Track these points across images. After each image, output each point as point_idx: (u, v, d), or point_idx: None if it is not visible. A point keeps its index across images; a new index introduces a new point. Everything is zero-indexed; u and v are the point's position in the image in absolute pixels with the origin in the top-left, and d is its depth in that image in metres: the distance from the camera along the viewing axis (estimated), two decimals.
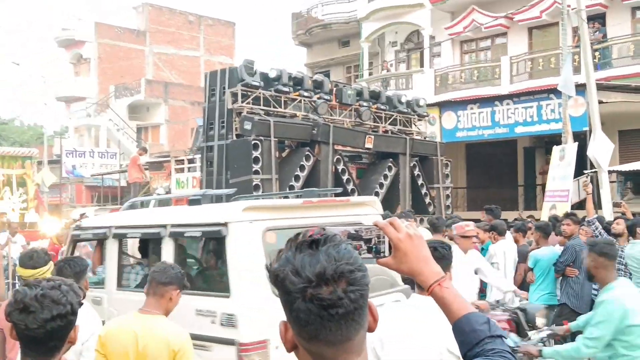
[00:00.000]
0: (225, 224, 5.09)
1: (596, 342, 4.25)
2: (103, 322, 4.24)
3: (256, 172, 11.44)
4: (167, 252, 5.49)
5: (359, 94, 14.32)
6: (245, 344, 4.60)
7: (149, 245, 6.43)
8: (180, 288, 3.71)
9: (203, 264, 6.20)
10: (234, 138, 12.04)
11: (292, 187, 12.04)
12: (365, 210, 6.35)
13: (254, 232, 5.07)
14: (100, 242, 6.67)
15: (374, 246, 1.57)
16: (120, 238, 6.20)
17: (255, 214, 5.23)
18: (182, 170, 15.57)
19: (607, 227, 8.41)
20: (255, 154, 11.44)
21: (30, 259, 4.44)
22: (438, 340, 2.84)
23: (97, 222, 6.90)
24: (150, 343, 3.49)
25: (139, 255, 7.16)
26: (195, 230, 5.46)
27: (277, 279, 1.30)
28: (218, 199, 7.34)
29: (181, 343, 3.55)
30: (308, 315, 1.27)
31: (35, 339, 2.13)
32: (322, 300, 1.25)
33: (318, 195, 6.62)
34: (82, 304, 2.27)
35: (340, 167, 12.99)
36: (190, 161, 15.43)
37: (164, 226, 5.60)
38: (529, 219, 13.81)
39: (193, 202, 6.43)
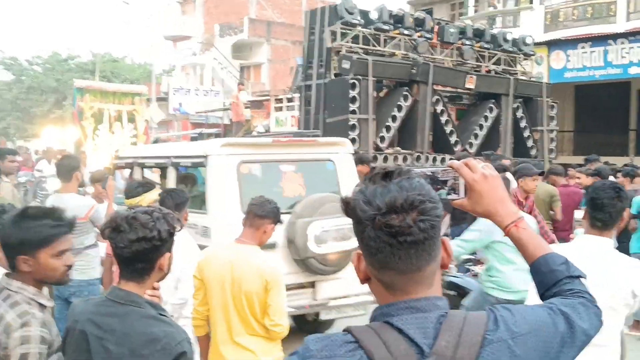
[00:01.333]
0: (206, 156, 6.19)
1: (465, 243, 5.01)
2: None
3: (353, 112, 11.43)
4: (171, 177, 6.66)
5: (462, 32, 13.86)
6: None
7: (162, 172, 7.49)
8: (274, 222, 3.80)
9: (192, 187, 7.01)
10: (333, 77, 12.03)
11: (388, 128, 11.97)
12: (336, 149, 7.00)
13: (229, 163, 6.12)
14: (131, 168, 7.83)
15: (450, 188, 1.56)
16: (142, 167, 7.60)
17: (231, 149, 6.30)
18: (281, 109, 15.77)
19: None
20: (353, 93, 11.40)
21: (130, 191, 4.90)
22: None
23: (127, 154, 8.23)
24: (245, 271, 3.62)
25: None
26: (188, 161, 6.71)
27: (348, 207, 1.33)
28: None
29: (273, 274, 3.66)
30: (378, 243, 1.29)
31: (123, 258, 2.28)
32: (392, 228, 1.27)
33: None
34: (173, 233, 2.36)
35: (439, 107, 12.73)
36: (289, 100, 15.60)
37: (169, 157, 6.80)
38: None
39: (194, 138, 7.78)
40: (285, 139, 7.41)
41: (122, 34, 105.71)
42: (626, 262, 3.13)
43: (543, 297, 1.54)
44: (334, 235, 5.98)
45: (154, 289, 2.41)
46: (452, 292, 6.16)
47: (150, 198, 4.68)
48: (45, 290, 2.67)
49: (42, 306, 2.48)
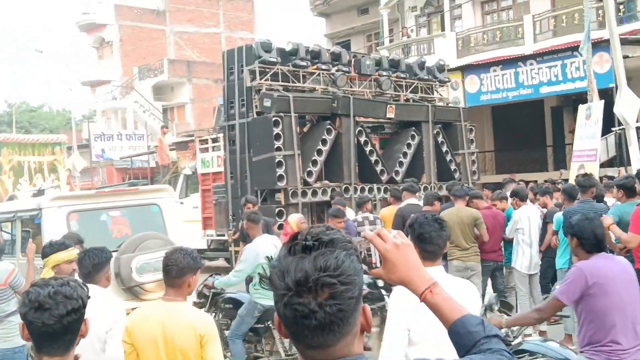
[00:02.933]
0: (40, 209, 7.35)
1: (239, 273, 6.58)
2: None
3: (278, 149, 11.47)
4: (17, 228, 7.87)
5: (378, 63, 14.19)
6: None
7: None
8: (195, 272, 3.73)
9: (35, 237, 7.54)
10: (255, 116, 12.06)
11: (315, 162, 12.06)
12: (161, 195, 8.34)
13: (59, 214, 7.26)
14: None
15: (364, 258, 1.58)
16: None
17: (61, 202, 7.49)
18: (206, 149, 15.64)
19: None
20: (276, 130, 11.46)
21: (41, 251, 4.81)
22: None
23: None
24: (177, 328, 3.54)
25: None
26: (27, 214, 7.74)
27: (268, 277, 1.35)
28: None
29: (206, 327, 3.60)
30: (287, 319, 1.31)
31: (52, 335, 2.22)
32: (297, 311, 1.28)
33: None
34: (89, 297, 2.37)
35: (363, 138, 12.94)
36: (214, 140, 15.49)
37: (14, 212, 8.05)
38: (559, 180, 13.68)
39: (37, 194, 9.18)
40: (109, 189, 8.98)
41: (38, 81, 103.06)
42: (460, 283, 3.43)
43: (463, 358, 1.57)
44: (154, 266, 6.61)
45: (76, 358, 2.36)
46: (229, 306, 7.25)
47: (57, 258, 4.56)
48: None
49: None
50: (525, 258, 8.17)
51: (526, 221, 8.19)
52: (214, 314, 7.23)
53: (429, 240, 3.21)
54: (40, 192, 10.14)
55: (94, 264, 4.04)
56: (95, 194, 8.22)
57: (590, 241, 3.98)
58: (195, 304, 7.37)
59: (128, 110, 37.80)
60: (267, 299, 6.32)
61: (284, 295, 1.29)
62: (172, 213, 8.33)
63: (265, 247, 6.43)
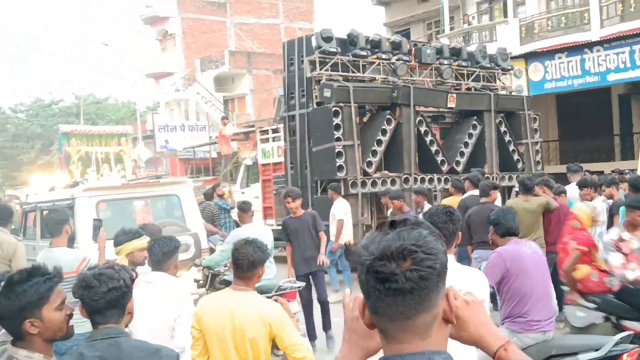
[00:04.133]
0: (73, 199, 8.32)
1: (222, 253, 7.39)
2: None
3: (338, 139, 11.49)
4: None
5: (439, 52, 14.02)
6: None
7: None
8: (264, 264, 3.79)
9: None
10: (315, 106, 12.12)
11: (374, 152, 12.03)
12: (180, 187, 9.33)
13: (89, 203, 8.25)
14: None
15: None
16: (41, 210, 9.14)
17: (91, 192, 8.47)
18: (267, 140, 15.81)
19: None
20: (336, 121, 11.48)
21: (115, 239, 5.02)
22: None
23: (33, 199, 10.31)
24: (246, 318, 3.60)
25: None
26: (64, 203, 8.36)
27: (353, 254, 1.41)
28: None
29: (275, 316, 3.65)
30: (367, 287, 1.34)
31: (98, 310, 2.63)
32: (377, 273, 1.31)
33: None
34: (133, 280, 2.76)
35: (423, 128, 12.83)
36: (275, 131, 15.65)
37: (54, 200, 8.84)
38: (626, 171, 13.21)
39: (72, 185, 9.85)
40: (133, 181, 9.65)
41: (105, 74, 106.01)
42: (469, 272, 3.70)
43: None
44: None
45: None
46: (222, 286, 7.60)
47: (132, 246, 4.71)
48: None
49: None
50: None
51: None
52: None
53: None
54: (75, 184, 10.64)
55: (163, 252, 4.16)
56: (122, 185, 9.15)
57: (502, 227, 4.74)
58: (196, 281, 8.17)
59: (190, 102, 38.47)
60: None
61: (365, 262, 1.33)
62: (190, 203, 9.27)
63: (250, 233, 6.91)
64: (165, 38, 42.85)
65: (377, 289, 1.32)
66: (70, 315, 2.60)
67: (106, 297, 2.60)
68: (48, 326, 2.49)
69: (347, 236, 10.47)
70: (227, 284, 7.79)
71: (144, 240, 4.73)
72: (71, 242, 6.07)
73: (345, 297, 1.61)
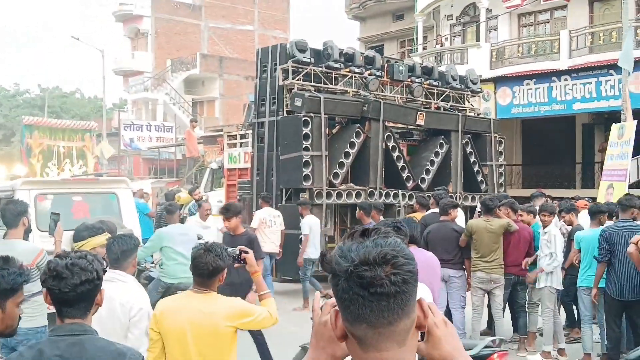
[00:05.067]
0: (13, 190, 8.53)
1: (145, 249, 7.80)
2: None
3: (306, 149, 11.50)
4: None
5: (411, 69, 14.16)
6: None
7: None
8: (223, 271, 3.76)
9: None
10: (285, 114, 12.11)
11: (342, 164, 12.07)
12: (119, 185, 9.70)
13: (29, 196, 8.36)
14: None
15: None
16: None
17: (30, 185, 8.78)
18: (234, 145, 15.73)
19: None
20: (306, 130, 11.49)
21: (76, 234, 4.81)
22: None
23: None
24: (206, 321, 3.57)
25: None
26: (3, 194, 8.56)
27: (325, 261, 1.38)
28: None
29: (232, 313, 3.64)
30: (350, 294, 1.31)
31: (68, 301, 2.44)
32: (362, 279, 1.29)
33: None
34: (105, 271, 2.59)
35: (391, 144, 12.91)
36: (243, 137, 15.58)
37: (2, 191, 8.94)
38: (587, 198, 13.46)
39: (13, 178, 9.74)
40: (72, 178, 10.23)
41: (72, 67, 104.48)
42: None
43: None
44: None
45: None
46: (146, 282, 8.45)
47: (95, 242, 4.61)
48: None
49: None
50: (557, 275, 8.05)
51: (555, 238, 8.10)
52: None
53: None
54: (14, 177, 10.80)
55: (122, 250, 4.08)
56: (62, 180, 9.85)
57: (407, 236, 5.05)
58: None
59: (158, 102, 38.17)
60: (169, 277, 7.81)
61: (347, 269, 1.31)
62: (128, 202, 9.60)
63: (174, 234, 8.00)
64: (137, 37, 42.47)
65: (360, 295, 1.30)
66: (20, 317, 2.59)
67: (77, 289, 2.44)
68: (6, 319, 2.45)
69: (317, 250, 10.49)
70: (149, 279, 8.60)
71: (104, 237, 4.64)
72: (26, 234, 5.91)
73: (315, 301, 1.59)
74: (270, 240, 10.72)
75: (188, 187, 16.51)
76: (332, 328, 1.41)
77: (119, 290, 4.00)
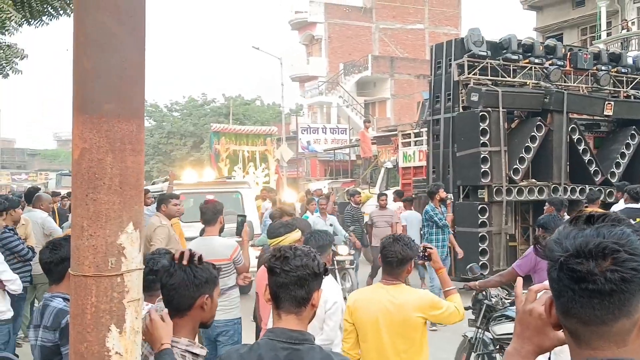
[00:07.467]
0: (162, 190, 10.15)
1: (263, 237, 7.64)
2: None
3: (484, 145, 11.23)
4: None
5: (597, 57, 13.27)
6: None
7: None
8: (411, 261, 3.81)
9: None
10: (461, 110, 11.90)
11: (522, 159, 11.63)
12: (243, 186, 12.18)
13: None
14: None
15: None
16: None
17: (175, 187, 10.10)
18: (408, 143, 15.76)
19: None
20: (483, 125, 11.22)
21: (272, 231, 5.00)
22: None
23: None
24: (399, 310, 3.66)
25: None
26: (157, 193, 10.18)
27: (544, 248, 1.29)
28: None
29: (424, 305, 3.70)
30: (560, 285, 1.24)
31: (284, 284, 2.34)
32: (573, 272, 1.20)
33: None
34: (326, 270, 2.46)
35: (576, 136, 12.21)
36: (417, 135, 15.55)
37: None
38: None
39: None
40: (207, 181, 12.39)
41: (253, 77, 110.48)
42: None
43: None
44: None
45: None
46: None
47: (292, 238, 4.80)
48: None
49: (195, 355, 2.50)
50: None
51: None
52: None
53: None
54: (166, 179, 12.10)
55: (318, 245, 4.26)
56: (198, 183, 11.92)
57: (550, 230, 5.30)
58: (256, 258, 8.90)
59: (332, 105, 39.21)
60: None
61: (559, 259, 1.22)
62: (249, 198, 11.79)
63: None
64: (312, 43, 43.94)
65: (571, 288, 1.21)
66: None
67: (297, 271, 2.34)
68: (212, 308, 2.58)
69: None
70: None
71: (299, 234, 4.85)
72: (221, 232, 6.32)
73: (517, 287, 1.54)
74: None
75: (364, 187, 16.77)
76: (547, 316, 1.33)
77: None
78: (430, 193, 10.39)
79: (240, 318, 5.90)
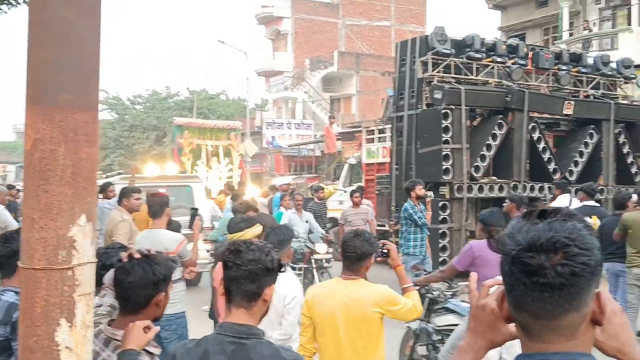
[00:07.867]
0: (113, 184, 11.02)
1: (217, 230, 8.34)
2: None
3: (446, 142, 11.32)
4: None
5: (558, 57, 13.50)
6: None
7: None
8: (371, 257, 3.82)
9: None
10: (424, 107, 11.99)
11: (483, 157, 11.77)
12: (193, 180, 13.04)
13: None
14: None
15: None
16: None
17: (126, 180, 10.95)
18: (372, 140, 15.82)
19: None
20: (446, 123, 11.31)
21: (232, 226, 4.99)
22: None
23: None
24: (357, 304, 3.67)
25: None
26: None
27: (497, 241, 1.32)
28: None
29: (381, 300, 3.71)
30: (512, 279, 1.25)
31: (236, 278, 2.32)
32: (524, 265, 1.21)
33: None
34: (281, 266, 2.44)
35: (536, 135, 12.40)
36: (381, 131, 15.63)
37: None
38: None
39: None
40: (161, 175, 12.74)
41: (217, 70, 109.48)
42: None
43: None
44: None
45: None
46: None
47: (252, 233, 4.78)
48: None
49: (150, 354, 2.46)
50: None
51: None
52: None
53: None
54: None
55: (279, 240, 4.24)
56: (155, 177, 12.36)
57: (487, 225, 5.56)
58: (207, 251, 9.53)
59: (298, 100, 39.16)
60: None
61: (512, 252, 1.24)
62: (200, 193, 12.43)
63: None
64: (278, 38, 43.80)
65: (522, 282, 1.22)
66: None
67: (249, 265, 2.31)
68: (165, 304, 2.55)
69: None
70: None
71: (260, 228, 4.83)
72: (169, 225, 6.27)
73: (472, 282, 1.55)
74: None
75: (328, 183, 16.81)
76: (498, 309, 1.34)
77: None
78: (407, 189, 9.86)
79: (184, 312, 5.84)
